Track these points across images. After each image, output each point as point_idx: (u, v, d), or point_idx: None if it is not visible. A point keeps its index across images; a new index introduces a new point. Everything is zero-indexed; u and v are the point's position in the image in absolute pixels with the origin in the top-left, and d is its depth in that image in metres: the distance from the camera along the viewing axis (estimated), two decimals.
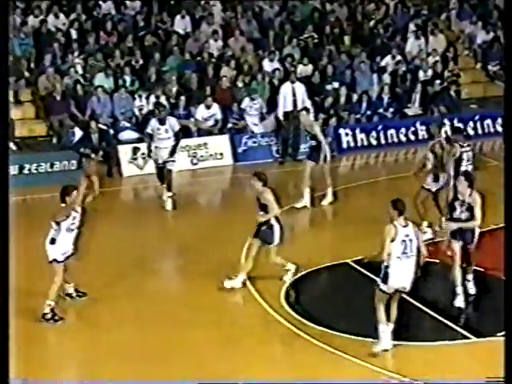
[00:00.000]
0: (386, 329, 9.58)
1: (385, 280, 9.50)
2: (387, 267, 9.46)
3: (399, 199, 9.59)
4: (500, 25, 21.33)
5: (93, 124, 16.76)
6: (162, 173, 14.75)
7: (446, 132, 13.35)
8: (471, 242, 10.98)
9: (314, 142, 14.48)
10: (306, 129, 14.78)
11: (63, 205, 10.33)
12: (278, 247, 11.41)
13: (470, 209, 10.72)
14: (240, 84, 18.70)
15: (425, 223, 13.20)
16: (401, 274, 9.48)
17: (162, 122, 14.70)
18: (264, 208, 11.16)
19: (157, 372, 9.23)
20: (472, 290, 11.17)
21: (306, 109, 15.82)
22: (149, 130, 14.85)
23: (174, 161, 14.70)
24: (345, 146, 18.31)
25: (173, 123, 14.77)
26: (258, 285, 11.66)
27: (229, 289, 11.43)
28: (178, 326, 10.44)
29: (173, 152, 14.66)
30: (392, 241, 9.34)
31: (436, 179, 13.08)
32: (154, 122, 14.77)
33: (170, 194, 14.56)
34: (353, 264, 12.44)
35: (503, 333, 7.27)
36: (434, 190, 13.18)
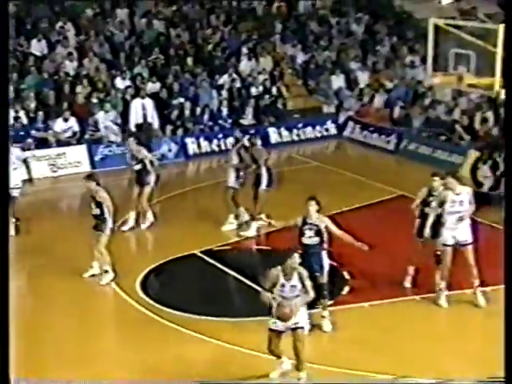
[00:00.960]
0: None
1: None
2: None
3: None
4: (315, 46, 21.89)
5: None
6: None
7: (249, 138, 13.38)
8: (320, 271, 9.64)
9: (139, 166, 13.23)
10: (133, 153, 13.34)
11: None
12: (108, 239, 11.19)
13: (319, 232, 9.63)
14: (95, 100, 18.16)
15: (231, 216, 13.25)
16: None
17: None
18: (100, 205, 11.01)
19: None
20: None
21: (131, 135, 14.73)
22: None
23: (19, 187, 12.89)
24: (191, 152, 18.32)
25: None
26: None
27: (88, 280, 11.04)
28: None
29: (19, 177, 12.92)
30: None
31: (237, 177, 13.11)
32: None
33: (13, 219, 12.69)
34: (200, 254, 12.34)
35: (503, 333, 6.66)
36: (236, 187, 13.23)
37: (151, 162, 13.36)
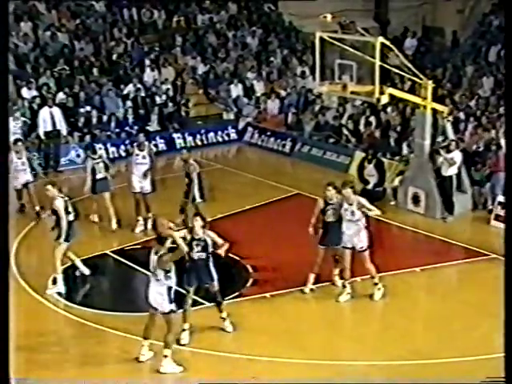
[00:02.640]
0: None
1: None
2: None
3: None
4: (214, 58, 22.18)
5: None
6: None
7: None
8: (211, 281, 9.58)
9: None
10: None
11: None
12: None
13: (205, 247, 9.41)
14: None
15: (141, 219, 13.25)
16: None
17: None
18: (55, 213, 10.81)
19: None
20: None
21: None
22: None
23: None
24: None
25: None
26: (27, 278, 11.08)
27: None
28: None
29: None
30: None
31: (142, 182, 13.16)
32: None
33: None
34: (111, 254, 12.33)
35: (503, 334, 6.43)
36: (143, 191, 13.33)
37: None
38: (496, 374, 8.51)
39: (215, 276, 9.55)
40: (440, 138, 14.75)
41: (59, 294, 10.77)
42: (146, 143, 13.62)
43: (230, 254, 12.28)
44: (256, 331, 9.84)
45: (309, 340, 9.68)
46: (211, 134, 20.03)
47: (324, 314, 10.60)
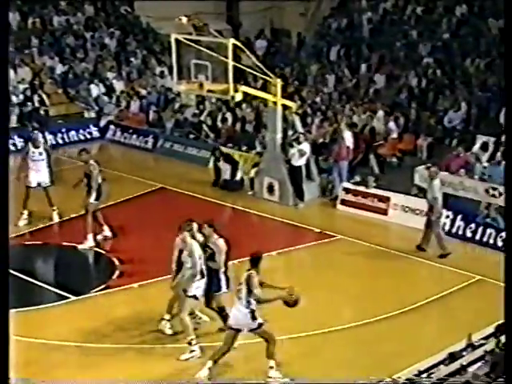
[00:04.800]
0: None
1: None
2: None
3: None
4: (72, 58, 21.46)
5: None
6: None
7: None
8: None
9: None
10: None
11: None
12: None
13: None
14: None
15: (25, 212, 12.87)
16: None
17: None
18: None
19: None
20: None
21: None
22: None
23: None
24: None
25: None
26: None
27: None
28: None
29: None
30: None
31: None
32: None
33: None
34: None
35: (503, 334, 6.51)
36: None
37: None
38: (350, 343, 9.04)
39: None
40: (290, 132, 15.23)
41: None
42: (42, 140, 13.56)
43: (96, 249, 12.10)
44: (128, 320, 9.71)
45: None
46: (72, 133, 19.38)
47: None
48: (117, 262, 11.61)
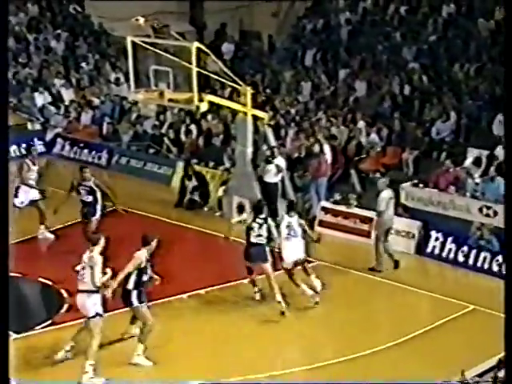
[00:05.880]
0: None
1: None
2: None
3: None
4: (14, 63, 21.32)
5: None
6: None
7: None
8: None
9: None
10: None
11: None
12: None
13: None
14: None
15: None
16: None
17: None
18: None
19: None
20: None
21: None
22: None
23: None
24: None
25: None
26: None
27: None
28: None
29: None
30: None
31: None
32: None
33: None
34: None
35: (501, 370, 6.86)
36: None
37: None
38: None
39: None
40: (265, 146, 15.26)
41: None
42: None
43: (41, 279, 11.95)
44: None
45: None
46: (14, 147, 19.19)
47: None
48: (65, 294, 11.50)
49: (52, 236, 14.01)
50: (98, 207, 13.06)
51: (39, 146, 19.62)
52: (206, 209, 15.81)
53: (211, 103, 14.21)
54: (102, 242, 9.70)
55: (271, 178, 14.75)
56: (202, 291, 11.83)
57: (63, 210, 13.19)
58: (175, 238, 13.72)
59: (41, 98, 20.75)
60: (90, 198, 12.98)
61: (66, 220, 14.19)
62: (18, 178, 13.95)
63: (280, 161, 14.82)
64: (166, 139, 18.71)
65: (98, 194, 13.06)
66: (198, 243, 14.47)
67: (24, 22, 23.29)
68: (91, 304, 9.42)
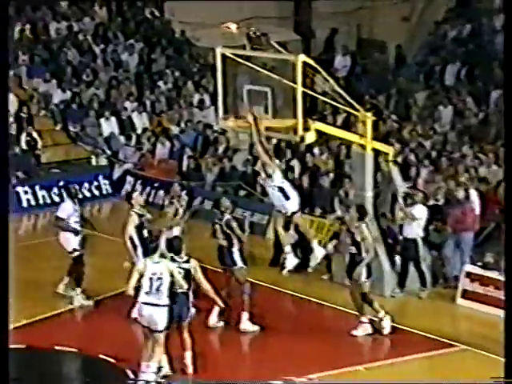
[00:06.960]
0: None
1: None
2: None
3: None
4: (76, 81, 22.07)
5: None
6: None
7: None
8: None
9: None
10: None
11: None
12: None
13: None
14: None
15: None
16: None
17: None
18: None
19: None
20: None
21: None
22: None
23: None
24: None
25: None
26: None
27: None
28: None
29: None
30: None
31: None
32: None
33: None
34: None
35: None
36: None
37: None
38: None
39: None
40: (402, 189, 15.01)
41: None
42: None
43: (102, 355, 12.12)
44: None
45: None
46: (76, 187, 19.69)
47: None
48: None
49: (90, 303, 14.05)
50: None
51: (105, 186, 20.13)
52: (309, 269, 15.69)
53: (319, 133, 14.15)
54: None
55: (410, 231, 14.41)
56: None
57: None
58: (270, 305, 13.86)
59: (108, 126, 21.32)
60: None
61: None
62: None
63: (420, 209, 14.47)
64: (260, 179, 18.79)
65: None
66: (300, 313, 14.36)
67: (90, 29, 24.03)
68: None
